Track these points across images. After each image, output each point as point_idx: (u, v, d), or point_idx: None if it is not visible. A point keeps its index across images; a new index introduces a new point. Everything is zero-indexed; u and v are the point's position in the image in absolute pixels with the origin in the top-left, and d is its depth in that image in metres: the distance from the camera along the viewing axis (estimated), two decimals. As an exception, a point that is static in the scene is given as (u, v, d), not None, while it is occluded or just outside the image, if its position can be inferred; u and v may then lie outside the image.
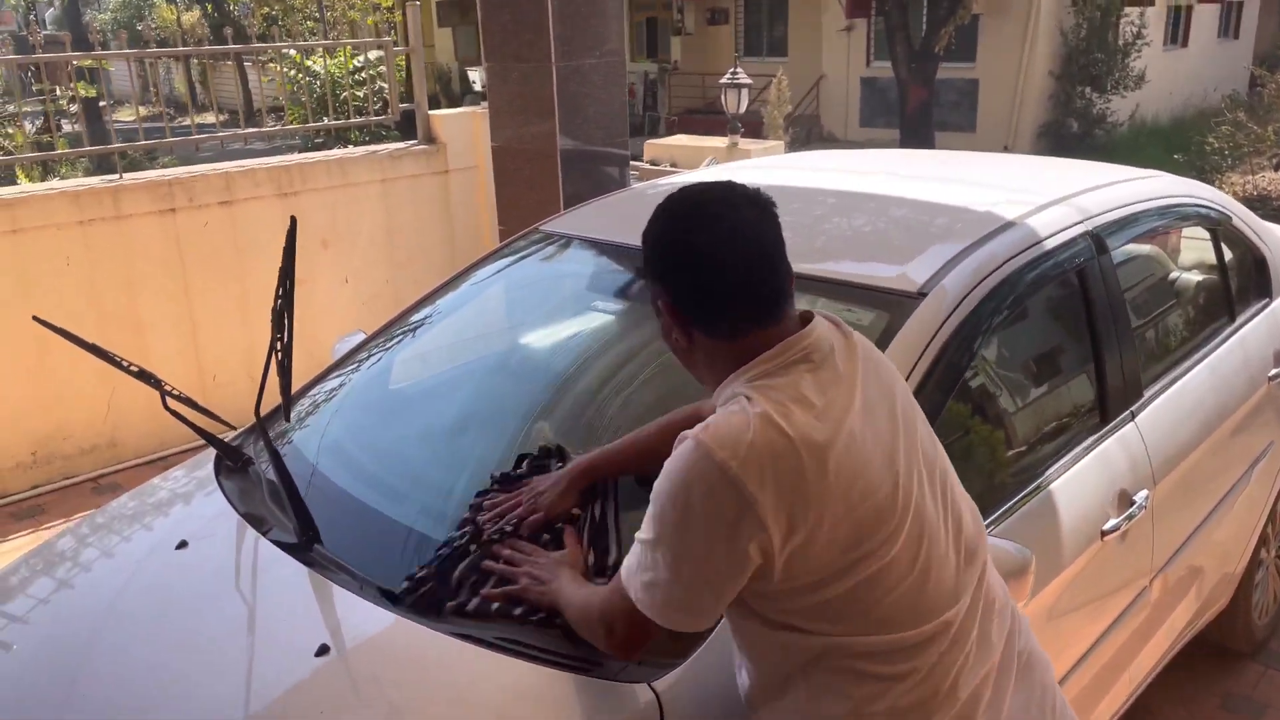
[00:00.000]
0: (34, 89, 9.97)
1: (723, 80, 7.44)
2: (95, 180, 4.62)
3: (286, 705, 1.55)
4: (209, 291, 4.77)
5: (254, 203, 4.87)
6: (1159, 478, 2.30)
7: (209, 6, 22.11)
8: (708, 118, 17.84)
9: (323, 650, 1.58)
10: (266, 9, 15.37)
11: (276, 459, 1.85)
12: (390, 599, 1.66)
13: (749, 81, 7.47)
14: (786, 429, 1.25)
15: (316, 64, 8.10)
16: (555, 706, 1.49)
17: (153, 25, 13.12)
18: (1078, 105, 16.94)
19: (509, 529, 1.70)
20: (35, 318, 2.02)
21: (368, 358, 2.46)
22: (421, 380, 2.46)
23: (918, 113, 15.73)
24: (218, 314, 4.82)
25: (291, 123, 6.59)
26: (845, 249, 2.26)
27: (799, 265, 1.42)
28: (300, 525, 1.83)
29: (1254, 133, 10.32)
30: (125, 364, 1.95)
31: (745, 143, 6.77)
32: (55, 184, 4.79)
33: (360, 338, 2.56)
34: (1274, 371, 2.86)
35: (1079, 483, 2.10)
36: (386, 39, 5.92)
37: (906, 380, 1.63)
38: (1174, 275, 3.08)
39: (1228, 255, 2.99)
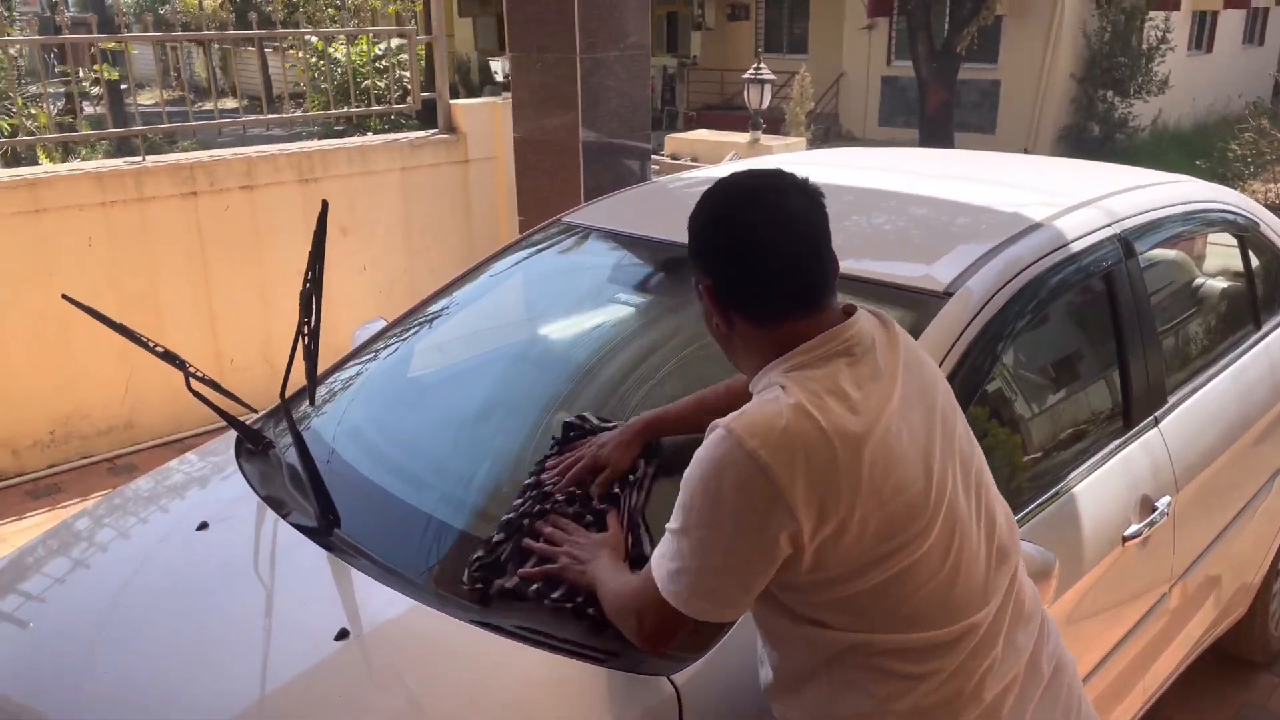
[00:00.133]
0: (57, 70, 10.03)
1: (745, 75, 7.40)
2: (118, 162, 4.64)
3: (306, 688, 1.55)
4: (228, 275, 4.79)
5: (275, 188, 4.88)
6: (1181, 484, 2.29)
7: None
8: (726, 114, 17.80)
9: (342, 635, 1.59)
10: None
11: (299, 442, 1.85)
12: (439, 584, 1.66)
13: (772, 77, 7.43)
14: (820, 420, 1.24)
15: (338, 51, 8.11)
16: (573, 697, 1.49)
17: (176, 9, 13.17)
18: (1099, 109, 16.82)
19: (561, 496, 1.71)
20: (64, 296, 2.03)
21: (390, 345, 2.46)
22: (443, 368, 2.47)
23: (938, 113, 15.65)
24: (236, 298, 4.83)
25: (312, 109, 6.61)
26: (871, 247, 2.25)
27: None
28: (321, 509, 1.83)
29: (1277, 140, 10.24)
30: (151, 344, 1.96)
31: (767, 139, 6.75)
32: (79, 165, 4.82)
33: (381, 325, 2.56)
34: (1299, 380, 2.84)
35: (1102, 487, 2.09)
36: (410, 28, 5.92)
37: None
38: (1199, 281, 3.05)
39: (1254, 262, 2.96)
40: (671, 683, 1.45)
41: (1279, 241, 3.04)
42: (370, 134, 6.73)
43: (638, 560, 1.58)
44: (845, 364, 1.31)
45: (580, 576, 1.55)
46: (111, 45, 6.77)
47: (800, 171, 1.42)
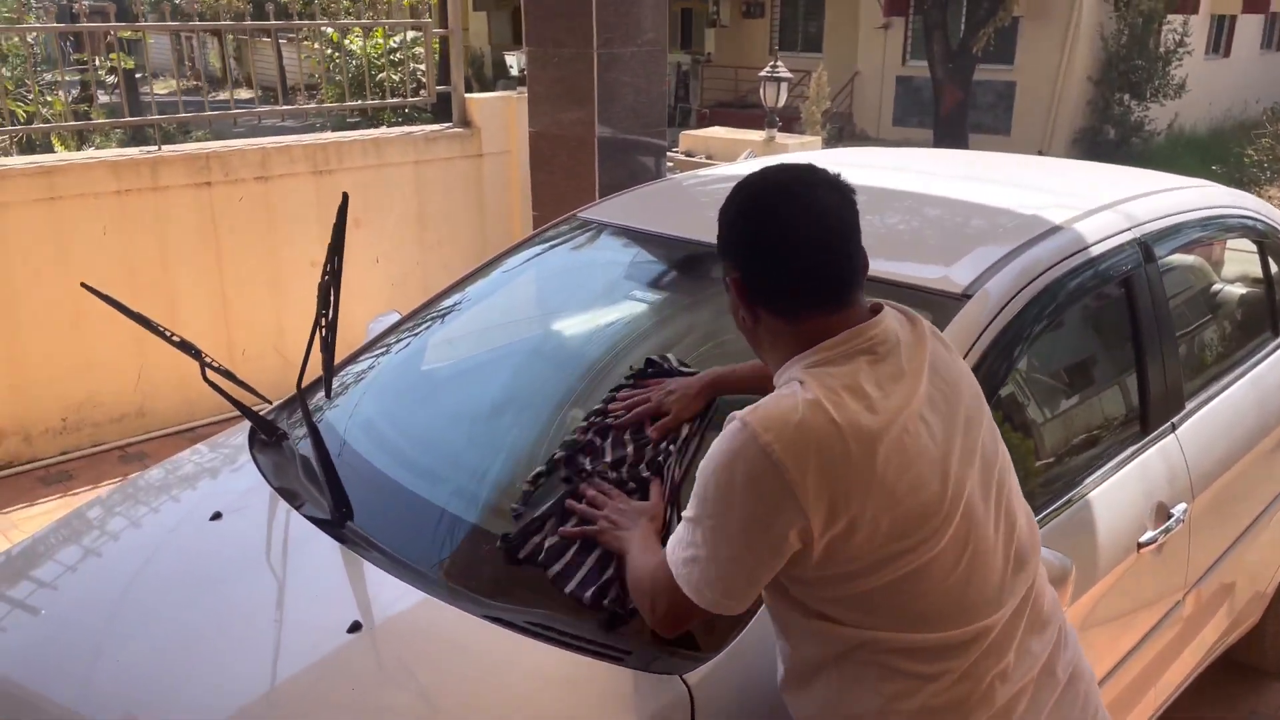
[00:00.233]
0: (73, 58, 10.06)
1: (762, 73, 7.37)
2: (134, 151, 4.65)
3: (318, 679, 1.55)
4: (241, 266, 4.80)
5: (289, 179, 4.88)
6: (1198, 491, 2.27)
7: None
8: (740, 111, 17.76)
9: (355, 627, 1.58)
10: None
11: (315, 434, 1.85)
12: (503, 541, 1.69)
13: (789, 75, 7.41)
14: (835, 416, 1.24)
15: (354, 43, 8.11)
16: (584, 694, 1.48)
17: (192, -1, 13.17)
18: (1115, 112, 16.74)
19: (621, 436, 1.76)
20: (84, 285, 2.03)
21: (406, 338, 2.46)
22: (458, 363, 2.46)
23: (953, 114, 15.59)
24: (249, 288, 4.84)
25: (327, 101, 6.61)
26: (889, 247, 2.24)
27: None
28: (335, 501, 1.83)
29: (1295, 146, 10.18)
30: (168, 334, 1.96)
31: (782, 137, 6.73)
32: (94, 153, 4.83)
33: (395, 318, 2.56)
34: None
35: (1117, 493, 2.07)
36: (426, 20, 5.91)
37: None
38: (1217, 287, 3.03)
39: (1274, 268, 2.94)
40: (684, 682, 1.45)
41: (1299, 248, 3.01)
42: (384, 127, 6.74)
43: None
44: (867, 362, 1.31)
45: (615, 542, 1.57)
46: (128, 34, 6.78)
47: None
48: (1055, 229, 2.16)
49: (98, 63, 6.48)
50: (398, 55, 7.83)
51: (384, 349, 2.46)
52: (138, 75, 10.83)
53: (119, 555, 1.99)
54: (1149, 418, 2.24)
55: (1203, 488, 2.30)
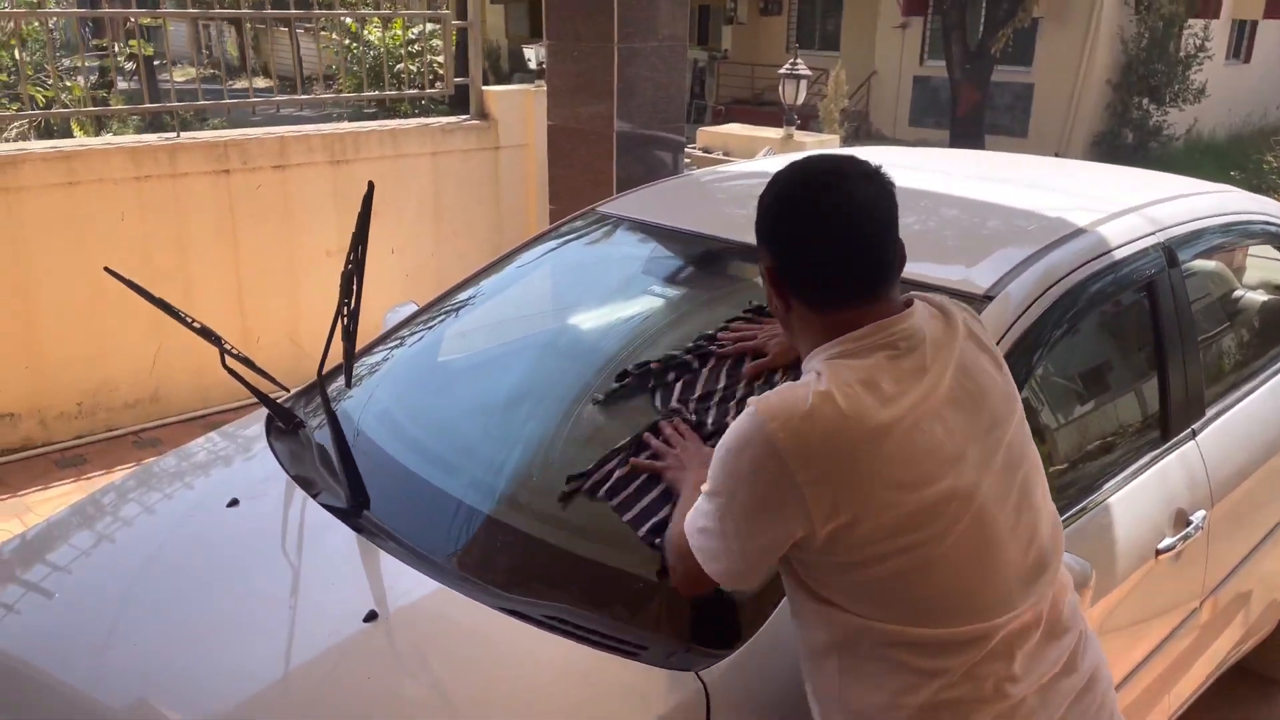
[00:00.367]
0: (92, 44, 10.09)
1: (781, 70, 7.35)
2: (153, 137, 4.66)
3: (334, 667, 1.55)
4: (257, 254, 4.81)
5: (307, 168, 4.89)
6: (1217, 499, 2.26)
7: (266, -29, 22.21)
8: (756, 109, 17.73)
9: (371, 616, 1.59)
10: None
11: (334, 422, 1.86)
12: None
13: (809, 73, 7.38)
14: (843, 409, 1.25)
15: (372, 34, 8.12)
16: (599, 688, 1.48)
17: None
18: (1134, 116, 16.64)
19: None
20: (107, 269, 2.04)
21: (424, 329, 2.46)
22: (476, 354, 2.46)
23: (969, 115, 15.52)
24: (264, 276, 4.85)
25: (344, 91, 6.61)
26: (910, 247, 2.21)
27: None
28: (352, 490, 1.83)
29: (1316, 154, 10.10)
30: (189, 320, 1.96)
31: (800, 135, 6.70)
32: (113, 139, 4.84)
33: (412, 308, 2.56)
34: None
35: (1137, 499, 2.06)
36: (445, 12, 5.91)
37: None
38: (1238, 293, 3.01)
39: (1296, 276, 2.92)
40: (700, 679, 1.44)
41: (1322, 256, 2.99)
42: (400, 118, 6.74)
43: None
44: (886, 357, 1.31)
45: (676, 482, 1.62)
46: (148, 20, 6.80)
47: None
48: (1079, 231, 2.15)
49: (117, 49, 6.49)
50: (415, 46, 7.83)
51: (401, 339, 2.46)
52: (156, 62, 10.87)
53: (135, 540, 1.99)
54: (1169, 423, 2.23)
55: (1222, 495, 2.28)
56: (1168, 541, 2.08)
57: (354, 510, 1.84)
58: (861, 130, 18.42)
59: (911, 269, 2.04)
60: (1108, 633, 2.01)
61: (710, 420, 1.76)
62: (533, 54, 6.43)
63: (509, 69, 20.70)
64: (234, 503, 1.94)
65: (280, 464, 2.05)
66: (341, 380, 2.22)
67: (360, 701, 1.48)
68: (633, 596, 1.64)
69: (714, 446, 1.39)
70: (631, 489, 1.67)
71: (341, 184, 4.98)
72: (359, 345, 2.40)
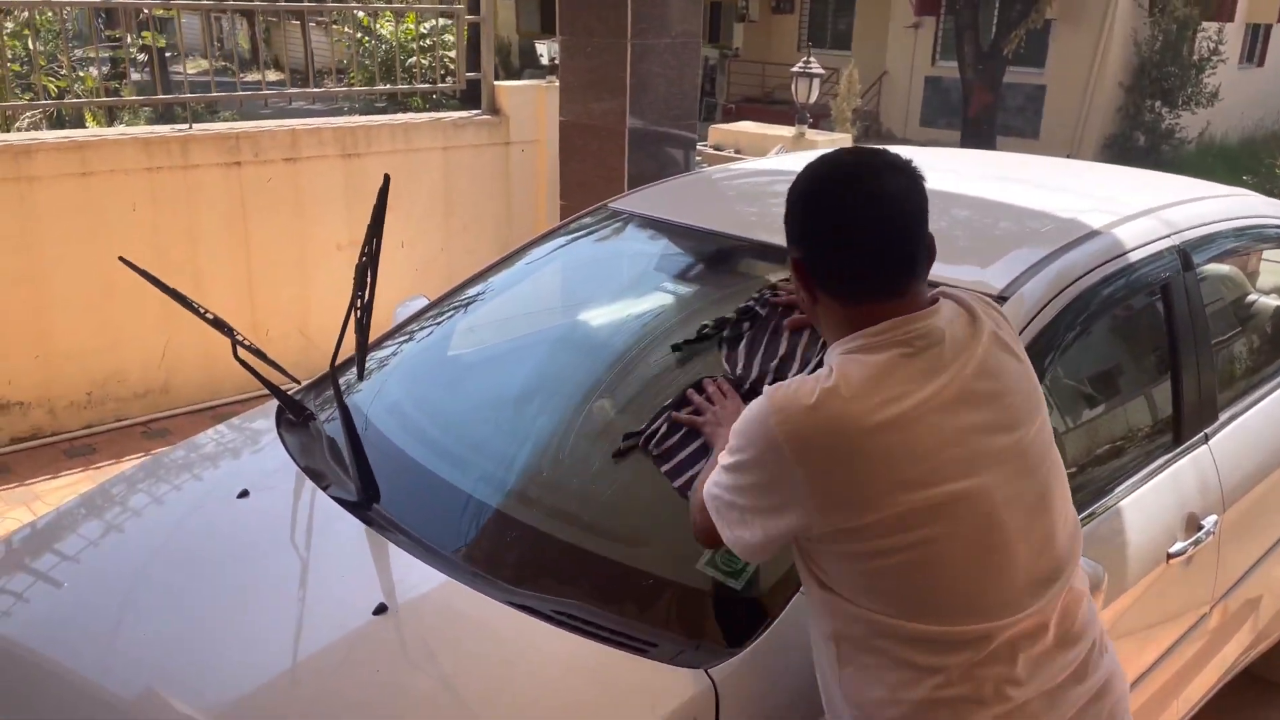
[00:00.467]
0: (105, 35, 10.12)
1: (795, 69, 7.33)
2: (166, 129, 4.67)
3: (343, 660, 1.56)
4: (267, 246, 4.81)
5: (318, 161, 4.89)
6: (1229, 503, 2.24)
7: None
8: (766, 107, 17.70)
9: (381, 609, 1.59)
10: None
11: (345, 414, 1.86)
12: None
13: (822, 72, 7.36)
14: (846, 405, 1.26)
15: (384, 28, 8.12)
16: (607, 684, 1.48)
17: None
18: (1146, 119, 16.56)
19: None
20: (122, 259, 2.04)
21: (435, 323, 2.46)
22: (486, 349, 2.46)
23: (981, 116, 15.47)
24: (275, 269, 4.86)
25: (355, 84, 6.60)
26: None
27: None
28: (362, 482, 1.83)
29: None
30: (203, 311, 1.97)
31: (813, 134, 6.69)
32: (126, 130, 4.85)
33: (422, 302, 2.56)
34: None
35: (1149, 503, 2.05)
36: (457, 6, 5.90)
37: None
38: (1252, 297, 2.99)
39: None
40: (709, 676, 1.44)
41: (1338, 261, 2.97)
42: (411, 112, 6.74)
43: None
44: (900, 354, 1.31)
45: (710, 437, 1.68)
46: (160, 12, 6.81)
47: None
48: (1093, 233, 2.14)
49: (130, 40, 6.50)
50: (427, 41, 7.83)
51: (412, 333, 2.46)
52: (169, 54, 10.90)
53: (145, 530, 2.00)
54: (1182, 427, 2.21)
55: (1234, 500, 2.27)
56: (1179, 546, 2.07)
57: (364, 503, 1.84)
58: (872, 130, 18.38)
59: (925, 269, 2.05)
60: (1118, 637, 1.99)
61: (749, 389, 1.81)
62: (545, 49, 6.42)
63: (519, 64, 20.70)
64: (244, 494, 1.94)
65: (290, 456, 2.05)
66: (352, 373, 2.22)
67: (369, 694, 1.48)
68: (642, 593, 1.64)
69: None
70: (673, 441, 1.74)
71: (353, 177, 4.98)
72: (370, 338, 2.41)
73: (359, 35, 7.16)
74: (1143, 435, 2.27)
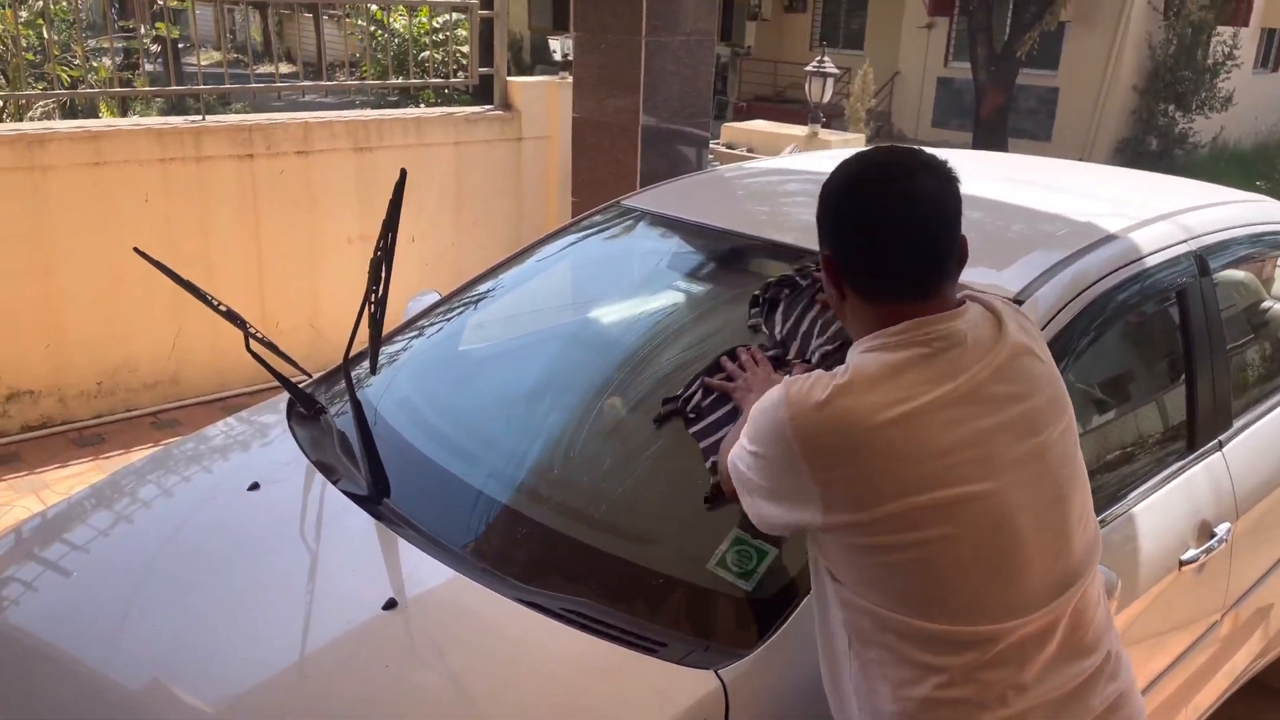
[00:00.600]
0: (118, 25, 10.14)
1: (809, 68, 7.30)
2: (179, 120, 4.67)
3: (351, 654, 1.55)
4: (279, 238, 4.82)
5: (330, 154, 4.90)
6: (1242, 511, 2.23)
7: (291, -43, 22.27)
8: (778, 106, 17.67)
9: (390, 604, 1.58)
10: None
11: (357, 408, 1.85)
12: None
13: (836, 71, 7.33)
14: (855, 403, 1.27)
15: (397, 21, 8.11)
16: (617, 684, 1.48)
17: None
18: (1159, 123, 16.48)
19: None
20: (136, 250, 2.04)
21: (446, 318, 2.45)
22: (498, 345, 2.46)
23: (993, 117, 15.42)
24: (286, 262, 4.86)
25: (367, 78, 6.59)
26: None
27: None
28: (372, 477, 1.83)
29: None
30: (215, 303, 1.97)
31: (826, 133, 6.67)
32: (140, 120, 4.86)
33: (434, 297, 2.56)
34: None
35: (1161, 509, 2.04)
36: (471, 1, 5.90)
37: None
38: (1267, 304, 2.97)
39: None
40: (719, 677, 1.43)
41: (1354, 268, 2.95)
42: (423, 107, 6.74)
43: None
44: (918, 355, 1.30)
45: (741, 401, 1.71)
46: (174, 3, 6.83)
47: None
48: (1109, 237, 2.12)
49: (143, 31, 6.51)
50: (440, 35, 7.82)
51: (423, 329, 2.46)
52: (181, 46, 10.92)
53: (154, 522, 2.00)
54: (1196, 434, 2.20)
55: (1247, 508, 2.26)
56: (1191, 553, 2.06)
57: (374, 497, 1.84)
58: (883, 131, 18.33)
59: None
60: (1129, 644, 1.97)
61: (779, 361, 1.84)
62: (558, 45, 6.41)
63: (531, 60, 20.69)
64: (254, 486, 1.94)
65: (301, 449, 2.05)
66: (363, 366, 2.22)
67: (377, 689, 1.48)
68: (653, 592, 1.63)
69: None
70: (704, 404, 1.77)
71: (364, 171, 4.98)
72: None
73: (372, 29, 7.15)
74: (1156, 441, 2.25)
